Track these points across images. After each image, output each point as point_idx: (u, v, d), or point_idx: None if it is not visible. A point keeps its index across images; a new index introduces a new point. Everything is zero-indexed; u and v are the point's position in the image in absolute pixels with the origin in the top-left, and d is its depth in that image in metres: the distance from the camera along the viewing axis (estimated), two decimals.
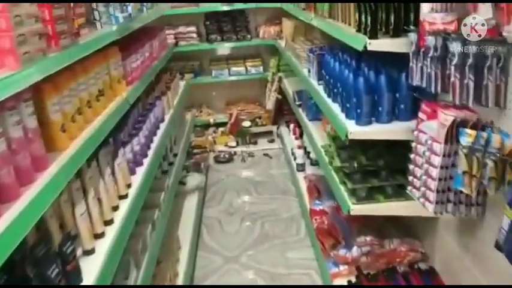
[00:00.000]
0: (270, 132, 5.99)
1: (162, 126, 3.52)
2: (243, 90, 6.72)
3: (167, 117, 3.66)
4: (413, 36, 2.14)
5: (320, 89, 3.42)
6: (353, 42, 2.50)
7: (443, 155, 1.96)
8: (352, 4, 2.77)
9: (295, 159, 4.65)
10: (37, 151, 1.59)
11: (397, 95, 2.49)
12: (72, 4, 2.07)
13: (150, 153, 2.97)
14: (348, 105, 2.65)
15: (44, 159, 1.63)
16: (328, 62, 3.18)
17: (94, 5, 2.52)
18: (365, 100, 2.50)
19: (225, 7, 6.04)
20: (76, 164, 1.77)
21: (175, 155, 3.92)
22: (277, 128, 5.95)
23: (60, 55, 1.79)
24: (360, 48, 2.33)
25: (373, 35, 2.33)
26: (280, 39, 5.95)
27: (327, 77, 3.17)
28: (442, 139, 1.95)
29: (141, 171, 2.69)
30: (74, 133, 1.93)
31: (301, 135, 4.90)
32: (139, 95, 3.09)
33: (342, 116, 2.74)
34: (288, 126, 5.57)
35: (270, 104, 5.91)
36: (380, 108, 2.50)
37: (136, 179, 2.56)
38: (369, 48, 2.29)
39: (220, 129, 6.22)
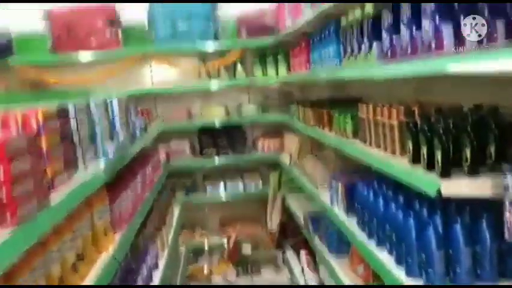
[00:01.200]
0: (273, 258, 5.26)
1: (156, 275, 2.81)
2: (240, 208, 6.07)
3: (162, 263, 2.96)
4: (510, 179, 1.59)
5: (352, 224, 2.81)
6: (416, 181, 1.94)
7: None
8: (396, 127, 2.27)
9: None
10: None
11: (479, 249, 1.88)
12: (45, 149, 1.49)
13: None
14: (409, 259, 2.02)
15: None
16: (365, 196, 2.61)
17: (76, 139, 1.94)
18: (437, 257, 1.87)
19: (221, 122, 5.61)
20: None
21: None
22: (283, 253, 5.23)
23: (13, 238, 1.15)
24: (432, 193, 1.75)
25: (444, 173, 1.79)
26: (281, 153, 5.47)
27: (366, 215, 2.57)
28: None
29: None
30: None
31: (314, 266, 4.18)
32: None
33: (398, 271, 2.10)
34: (296, 252, 4.86)
35: (273, 226, 5.25)
36: (457, 268, 1.87)
37: None
38: (445, 193, 1.72)
39: (216, 255, 5.46)
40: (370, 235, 2.53)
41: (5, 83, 5.12)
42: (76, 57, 5.35)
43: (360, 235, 2.65)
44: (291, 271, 4.84)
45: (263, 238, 5.48)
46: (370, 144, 2.63)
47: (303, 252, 4.44)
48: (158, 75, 5.85)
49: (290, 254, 5.05)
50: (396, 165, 2.16)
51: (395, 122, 2.29)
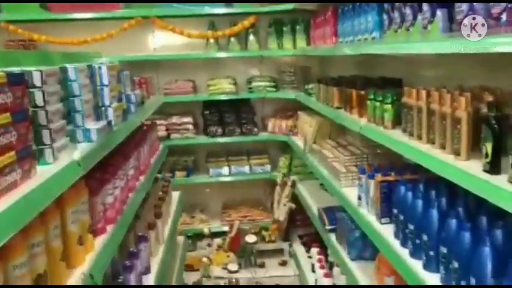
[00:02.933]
0: (280, 250, 4.80)
1: (148, 280, 2.33)
2: (245, 191, 5.60)
3: (154, 268, 2.48)
4: None
5: (386, 233, 2.32)
6: (497, 197, 1.42)
7: None
8: (464, 121, 1.74)
9: None
10: None
11: None
12: None
13: None
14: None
15: None
16: (408, 202, 2.10)
17: (41, 117, 1.42)
18: None
19: (228, 97, 5.08)
20: None
21: None
22: (290, 246, 4.77)
23: None
24: None
25: None
26: (294, 135, 4.95)
27: (408, 225, 2.07)
28: None
29: None
30: None
31: (330, 267, 3.72)
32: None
33: None
34: (306, 246, 4.41)
35: (280, 214, 4.76)
36: None
37: None
38: None
39: (217, 241, 5.02)
40: (414, 253, 2.04)
41: None
42: (70, 16, 4.78)
43: (398, 249, 2.16)
44: (298, 266, 4.38)
45: (269, 227, 5.01)
46: (420, 138, 2.11)
47: (314, 250, 3.97)
48: (161, 41, 5.29)
49: (298, 247, 4.59)
50: (464, 172, 1.64)
51: (463, 114, 1.76)
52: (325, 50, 3.65)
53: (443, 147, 1.90)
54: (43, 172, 1.33)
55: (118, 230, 1.92)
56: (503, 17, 1.37)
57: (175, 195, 3.80)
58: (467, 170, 1.62)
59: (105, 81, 2.08)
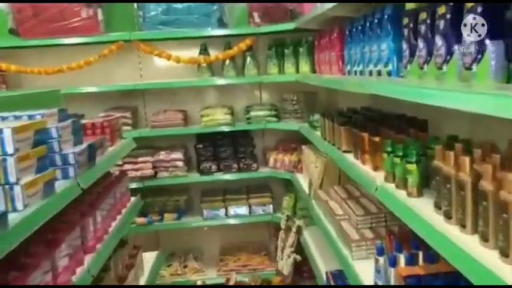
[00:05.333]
0: None
1: None
2: (245, 233, 4.96)
3: None
4: None
5: None
6: None
7: None
8: None
9: None
10: None
11: None
12: None
13: None
14: None
15: None
16: None
17: None
18: None
19: (224, 128, 4.46)
20: None
21: None
22: None
23: None
24: None
25: None
26: (298, 172, 4.30)
27: None
28: None
29: None
30: None
31: None
32: None
33: None
34: None
35: (285, 267, 4.10)
36: None
37: None
38: None
39: None
40: None
41: None
42: (44, 42, 4.24)
43: None
44: None
45: (271, 279, 4.35)
46: (462, 226, 1.44)
47: None
48: (149, 67, 4.72)
49: None
50: None
51: None
52: (330, 81, 3.01)
53: (504, 253, 1.24)
54: None
55: None
56: None
57: (150, 257, 3.16)
58: None
59: (9, 149, 1.47)
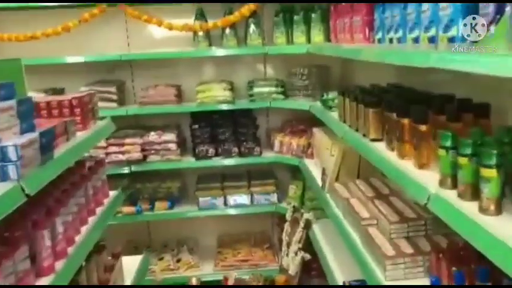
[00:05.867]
0: None
1: None
2: (246, 223, 4.47)
3: None
4: None
5: None
6: None
7: None
8: None
9: None
10: None
11: None
12: None
13: None
14: None
15: None
16: None
17: None
18: None
19: (223, 106, 3.91)
20: None
21: None
22: None
23: None
24: None
25: None
26: (307, 157, 3.77)
27: None
28: None
29: None
30: None
31: None
32: None
33: None
34: None
35: (291, 267, 3.61)
36: None
37: None
38: None
39: None
40: None
41: None
42: (16, 5, 3.66)
43: None
44: None
45: (274, 278, 3.87)
46: None
47: None
48: (137, 35, 4.13)
49: None
50: None
51: None
52: (353, 51, 2.44)
53: None
54: None
55: None
56: None
57: (132, 264, 2.65)
58: None
59: None
